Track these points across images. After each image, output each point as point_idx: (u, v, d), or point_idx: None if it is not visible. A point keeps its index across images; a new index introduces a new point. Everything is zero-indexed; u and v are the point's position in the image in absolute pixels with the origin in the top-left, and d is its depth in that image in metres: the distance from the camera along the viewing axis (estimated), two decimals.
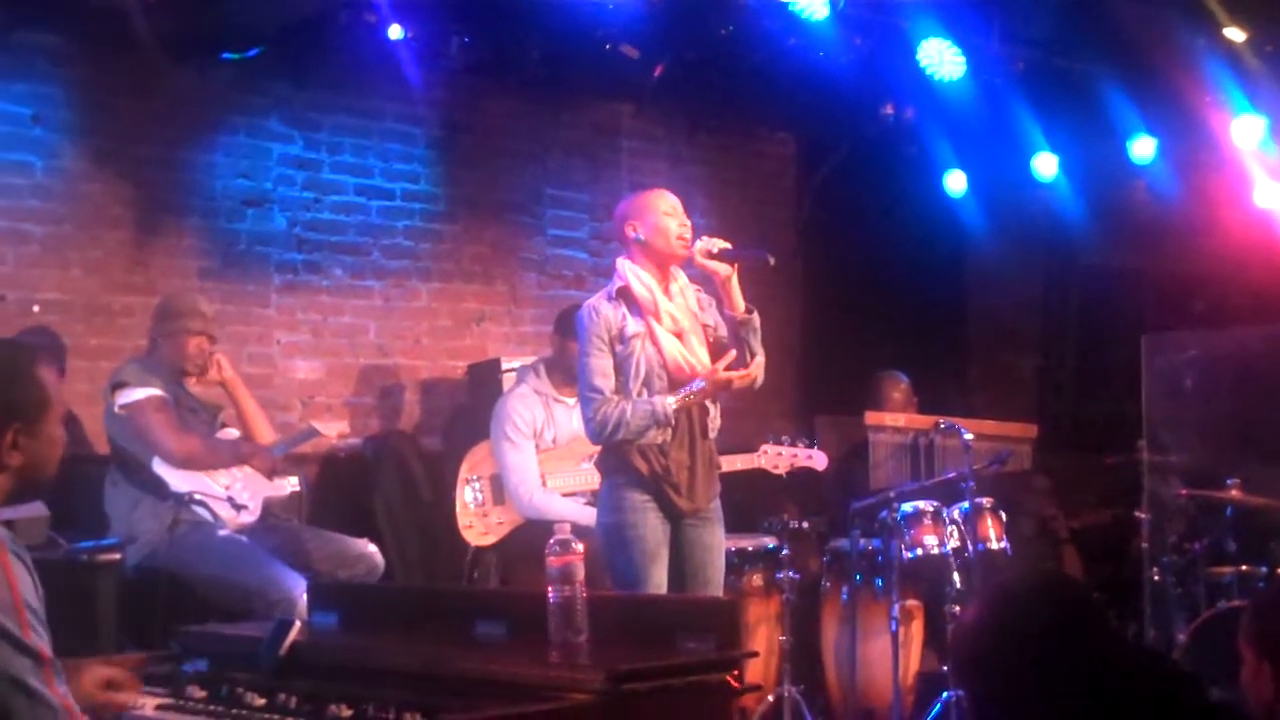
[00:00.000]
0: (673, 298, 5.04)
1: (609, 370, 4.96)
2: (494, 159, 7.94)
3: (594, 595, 3.30)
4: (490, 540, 6.41)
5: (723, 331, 5.06)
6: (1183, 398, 7.08)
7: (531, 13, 6.84)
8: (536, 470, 6.26)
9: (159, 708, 3.35)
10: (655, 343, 4.95)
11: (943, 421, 6.52)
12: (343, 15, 6.62)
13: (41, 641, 2.59)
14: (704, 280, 5.12)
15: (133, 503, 5.71)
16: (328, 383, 7.31)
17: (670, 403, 4.90)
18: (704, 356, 5.01)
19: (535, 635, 3.25)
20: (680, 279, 5.10)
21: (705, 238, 5.01)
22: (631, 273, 5.01)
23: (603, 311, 4.98)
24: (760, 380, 5.04)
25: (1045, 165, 8.50)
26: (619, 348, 4.96)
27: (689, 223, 5.05)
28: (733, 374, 4.94)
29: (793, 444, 6.08)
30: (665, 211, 5.00)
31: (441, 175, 7.74)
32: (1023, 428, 7.00)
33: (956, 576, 6.16)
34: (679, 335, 4.99)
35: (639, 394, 4.93)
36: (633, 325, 4.96)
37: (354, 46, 6.81)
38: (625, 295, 5.01)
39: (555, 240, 8.17)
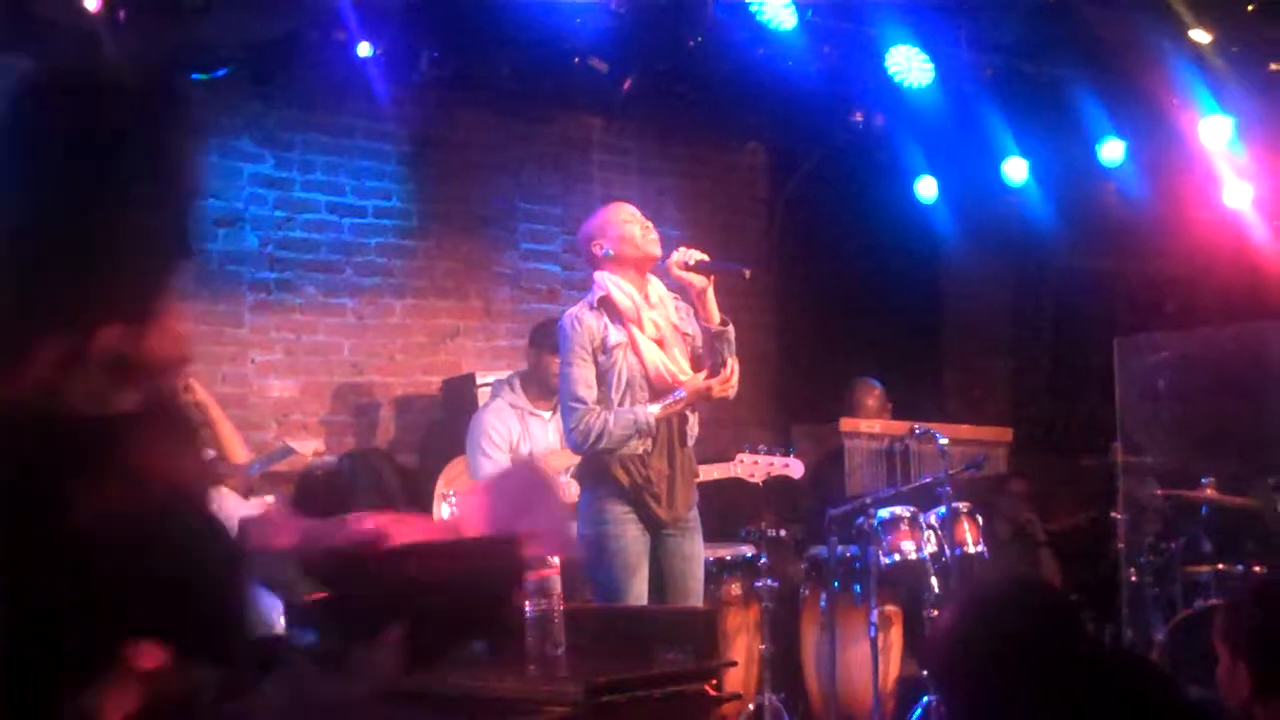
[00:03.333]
0: (653, 305, 5.04)
1: (592, 380, 4.95)
2: (465, 174, 7.92)
3: (571, 608, 3.30)
4: None
5: (701, 341, 5.07)
6: (1156, 399, 7.12)
7: (500, 28, 6.84)
8: None
9: None
10: (637, 352, 4.95)
11: (918, 427, 6.55)
12: (312, 33, 6.61)
13: None
14: (680, 291, 5.13)
15: None
16: (302, 401, 7.29)
17: (653, 412, 4.90)
18: (685, 364, 5.02)
19: (513, 649, 3.25)
20: (658, 287, 5.11)
21: (682, 249, 5.01)
22: (611, 283, 5.00)
23: (585, 321, 4.97)
24: (734, 391, 5.04)
25: (1016, 170, 8.52)
26: (601, 358, 4.95)
27: (651, 223, 5.06)
28: (713, 381, 4.94)
29: (769, 452, 6.08)
30: (625, 220, 5.02)
31: (413, 191, 7.72)
32: (998, 432, 7.04)
33: (934, 581, 6.18)
34: (660, 343, 5.00)
35: (621, 404, 4.93)
36: (615, 335, 4.96)
37: (323, 64, 6.80)
38: (607, 305, 5.00)
39: (528, 254, 8.16)
